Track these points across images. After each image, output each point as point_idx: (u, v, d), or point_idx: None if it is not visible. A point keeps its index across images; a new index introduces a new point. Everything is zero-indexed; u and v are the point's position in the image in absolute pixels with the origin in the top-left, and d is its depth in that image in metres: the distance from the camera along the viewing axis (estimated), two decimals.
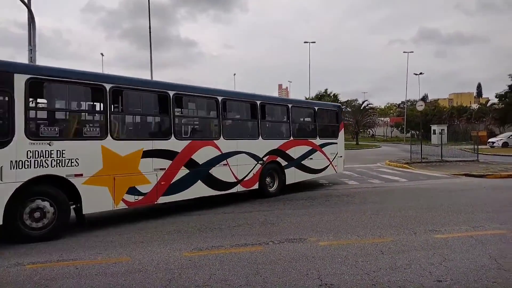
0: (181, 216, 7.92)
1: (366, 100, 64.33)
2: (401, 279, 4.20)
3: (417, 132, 47.13)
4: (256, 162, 9.81)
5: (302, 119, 12.24)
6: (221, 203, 9.37)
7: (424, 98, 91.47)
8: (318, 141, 11.91)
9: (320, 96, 59.78)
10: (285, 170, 10.68)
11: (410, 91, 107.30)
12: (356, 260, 4.88)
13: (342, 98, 63.66)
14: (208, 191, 8.62)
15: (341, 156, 12.98)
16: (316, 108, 12.22)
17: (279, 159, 10.51)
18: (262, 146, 10.03)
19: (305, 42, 49.47)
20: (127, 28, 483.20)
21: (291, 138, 10.95)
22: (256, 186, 9.85)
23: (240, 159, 9.37)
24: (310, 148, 11.54)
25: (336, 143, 12.75)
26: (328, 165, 12.33)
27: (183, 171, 8.06)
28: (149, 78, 18.23)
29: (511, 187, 11.42)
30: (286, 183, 10.73)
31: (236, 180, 9.28)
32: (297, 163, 11.11)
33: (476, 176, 14.38)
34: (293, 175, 10.98)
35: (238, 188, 9.38)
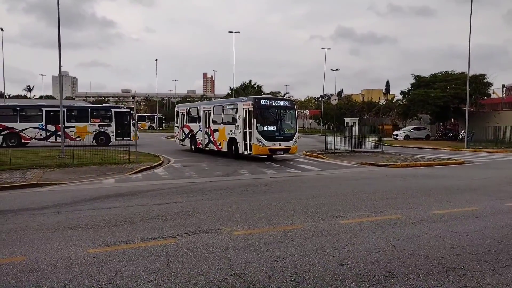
0: (89, 210, 7.39)
1: (288, 93, 66.79)
2: (307, 264, 4.41)
3: (332, 124, 50.16)
4: None
5: None
6: (136, 195, 8.96)
7: (339, 93, 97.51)
8: None
9: (245, 87, 60.39)
10: None
11: (327, 86, 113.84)
12: (268, 248, 5.01)
13: (266, 90, 65.02)
14: None
15: None
16: None
17: None
18: None
19: (229, 32, 49.43)
20: (34, 2, 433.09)
21: None
22: None
23: None
24: None
25: None
26: None
27: None
28: (57, 58, 16.55)
29: (409, 176, 12.73)
30: None
31: None
32: None
33: (381, 165, 15.77)
34: None
35: None
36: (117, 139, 26.29)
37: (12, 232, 5.80)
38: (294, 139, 17.39)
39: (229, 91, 60.56)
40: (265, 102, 16.81)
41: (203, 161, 17.02)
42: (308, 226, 6.14)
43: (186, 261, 4.52)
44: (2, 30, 49.41)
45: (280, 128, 17.01)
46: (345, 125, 47.68)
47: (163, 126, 64.66)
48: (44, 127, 25.08)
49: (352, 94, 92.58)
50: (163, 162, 16.49)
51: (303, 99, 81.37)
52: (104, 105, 35.19)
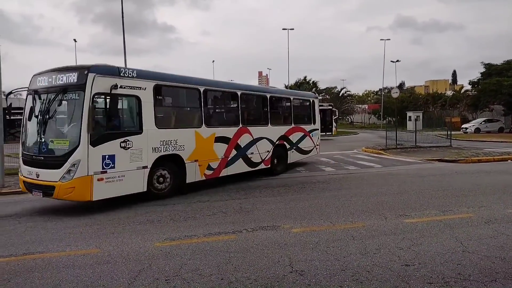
0: (155, 206, 7.80)
1: (345, 88, 65.18)
2: (370, 264, 4.27)
3: (393, 118, 47.96)
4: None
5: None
6: (196, 192, 9.30)
7: (401, 86, 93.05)
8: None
9: (300, 84, 59.94)
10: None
11: (387, 79, 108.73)
12: (328, 246, 4.93)
13: (321, 86, 64.03)
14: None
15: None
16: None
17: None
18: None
19: (283, 29, 49.29)
20: (100, 12, 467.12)
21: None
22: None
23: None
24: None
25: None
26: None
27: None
28: (123, 64, 17.73)
29: (481, 172, 11.79)
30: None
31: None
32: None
33: (449, 161, 14.77)
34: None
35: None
36: (320, 134, 29.79)
37: (88, 226, 6.31)
38: (74, 164, 6.80)
39: (284, 88, 60.45)
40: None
41: None
42: (370, 224, 5.94)
43: (247, 257, 4.60)
44: (75, 41, 53.99)
45: (41, 135, 7.32)
46: (407, 119, 45.36)
47: None
48: None
49: (414, 86, 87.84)
50: None
51: (361, 94, 78.78)
52: None
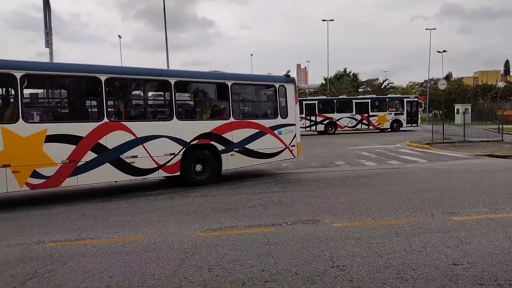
0: (197, 197, 8.01)
1: (387, 79, 62.89)
2: (415, 262, 4.14)
3: (440, 111, 45.82)
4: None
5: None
6: (234, 183, 9.42)
7: (447, 77, 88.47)
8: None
9: (339, 76, 58.71)
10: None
11: (433, 70, 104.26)
12: (370, 242, 4.83)
13: (362, 77, 62.30)
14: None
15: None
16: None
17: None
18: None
19: (323, 20, 48.44)
20: (142, 9, 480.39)
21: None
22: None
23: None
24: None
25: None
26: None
27: None
28: (165, 59, 18.15)
29: None
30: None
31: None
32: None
33: (500, 157, 13.91)
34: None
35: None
36: (407, 125, 30.78)
37: (134, 215, 6.60)
38: None
39: (323, 81, 59.43)
40: None
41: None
42: (414, 221, 5.74)
43: (287, 250, 4.61)
44: (120, 37, 56.07)
45: None
46: (455, 112, 43.13)
47: None
48: (353, 117, 30.58)
49: (462, 78, 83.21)
50: None
51: (405, 85, 75.77)
52: (398, 95, 39.74)
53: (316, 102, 31.40)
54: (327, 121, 30.10)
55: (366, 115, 30.49)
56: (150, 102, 9.97)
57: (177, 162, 8.91)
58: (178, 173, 9.00)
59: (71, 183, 7.83)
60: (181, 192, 8.56)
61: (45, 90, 8.71)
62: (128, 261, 4.36)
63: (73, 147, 7.71)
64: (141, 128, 8.52)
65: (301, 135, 11.53)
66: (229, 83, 9.74)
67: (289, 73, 10.19)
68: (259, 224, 5.79)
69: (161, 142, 8.69)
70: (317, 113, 30.20)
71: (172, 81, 8.91)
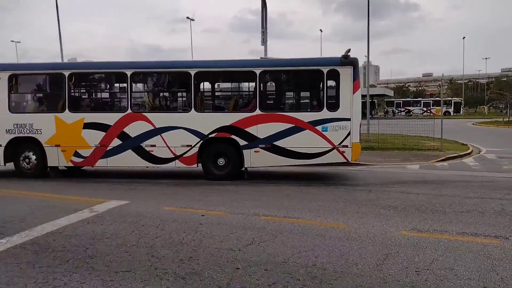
0: (397, 192, 7.58)
1: None
2: None
3: None
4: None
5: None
6: (444, 184, 8.43)
7: None
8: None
9: None
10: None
11: None
12: None
13: None
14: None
15: None
16: None
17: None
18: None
19: None
20: (343, 1, 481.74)
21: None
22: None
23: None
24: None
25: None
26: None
27: None
28: (362, 50, 17.78)
29: None
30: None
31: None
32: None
33: None
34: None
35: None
36: None
37: (334, 202, 6.79)
38: None
39: None
40: None
41: None
42: None
43: None
44: (321, 31, 58.35)
45: None
46: None
47: (460, 112, 56.22)
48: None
49: None
50: (472, 151, 14.71)
51: None
52: None
53: None
54: None
55: None
56: (169, 94, 10.02)
57: (193, 154, 8.91)
58: (195, 165, 9.02)
59: (102, 164, 9.24)
60: (379, 186, 8.28)
61: (85, 85, 10.15)
62: (331, 245, 4.50)
63: (103, 133, 9.06)
64: (159, 119, 9.01)
65: None
66: (258, 71, 8.77)
67: (348, 53, 7.57)
68: (477, 233, 5.00)
69: (178, 133, 8.90)
70: None
71: (192, 72, 8.88)
